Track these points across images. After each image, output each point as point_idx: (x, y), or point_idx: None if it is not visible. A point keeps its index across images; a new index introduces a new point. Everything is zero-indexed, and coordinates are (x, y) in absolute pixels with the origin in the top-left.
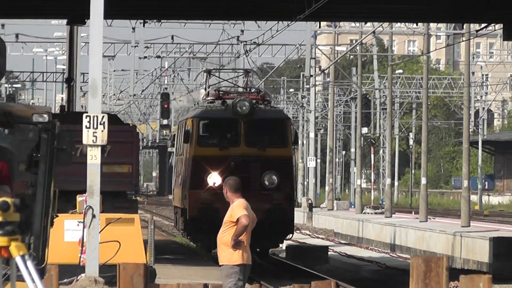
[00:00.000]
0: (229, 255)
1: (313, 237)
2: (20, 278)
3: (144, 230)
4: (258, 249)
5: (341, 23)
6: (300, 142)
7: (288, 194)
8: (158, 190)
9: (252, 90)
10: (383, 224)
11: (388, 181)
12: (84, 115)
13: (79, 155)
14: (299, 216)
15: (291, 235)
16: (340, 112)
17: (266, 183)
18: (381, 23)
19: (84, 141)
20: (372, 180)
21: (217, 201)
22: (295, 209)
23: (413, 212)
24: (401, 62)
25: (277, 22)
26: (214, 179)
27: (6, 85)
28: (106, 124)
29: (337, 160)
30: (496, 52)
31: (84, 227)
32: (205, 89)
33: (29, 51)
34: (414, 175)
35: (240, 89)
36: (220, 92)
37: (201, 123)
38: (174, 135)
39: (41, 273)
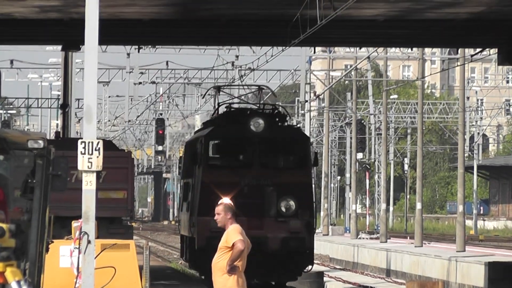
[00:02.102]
0: (224, 280)
1: None
2: None
3: (139, 255)
4: (273, 283)
5: (336, 48)
6: None
7: (307, 222)
8: (153, 216)
9: (268, 107)
10: (378, 249)
11: (383, 206)
12: (79, 141)
13: (74, 181)
14: None
15: (310, 266)
16: (335, 137)
17: (283, 209)
18: (376, 48)
19: (79, 167)
20: (367, 205)
21: None
22: None
23: (408, 237)
24: (397, 87)
25: (271, 47)
26: None
27: (1, 111)
28: (101, 150)
29: (332, 185)
30: (491, 77)
31: (79, 253)
32: (214, 106)
33: (24, 77)
34: (409, 200)
35: (253, 106)
36: (232, 109)
37: (211, 143)
38: (181, 157)
39: None
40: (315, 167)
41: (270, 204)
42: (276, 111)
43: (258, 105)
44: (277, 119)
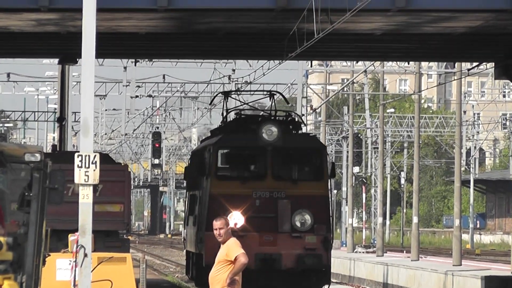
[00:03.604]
0: None
1: None
2: None
3: (135, 269)
4: None
5: (333, 62)
6: None
7: (324, 238)
8: (149, 229)
9: (281, 114)
10: (374, 263)
11: (379, 220)
12: (76, 154)
13: (71, 194)
14: None
15: (327, 285)
16: (331, 151)
17: (298, 224)
18: (373, 62)
19: (76, 180)
20: (364, 219)
21: None
22: None
23: (404, 251)
24: (393, 101)
25: (268, 61)
26: (235, 219)
27: None
28: (98, 163)
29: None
30: (488, 91)
31: (75, 266)
32: (222, 114)
33: (21, 90)
34: (405, 214)
35: (265, 113)
36: (242, 116)
37: (220, 153)
38: (186, 167)
39: None
40: (332, 179)
41: (284, 218)
42: (290, 118)
43: (270, 111)
44: (291, 127)
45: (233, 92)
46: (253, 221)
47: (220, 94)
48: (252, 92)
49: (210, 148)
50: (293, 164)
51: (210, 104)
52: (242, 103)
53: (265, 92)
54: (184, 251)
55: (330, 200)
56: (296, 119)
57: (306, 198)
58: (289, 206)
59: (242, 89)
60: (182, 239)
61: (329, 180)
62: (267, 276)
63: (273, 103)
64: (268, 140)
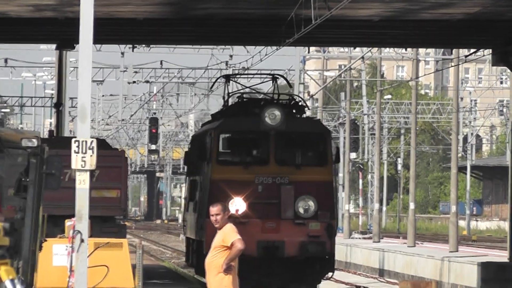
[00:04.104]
0: (219, 279)
1: None
2: None
3: (132, 254)
4: None
5: (330, 49)
6: None
7: (327, 224)
8: (146, 215)
9: (284, 97)
10: (371, 249)
11: (376, 206)
12: (73, 140)
13: (67, 179)
14: None
15: (331, 273)
16: None
17: (301, 210)
18: (370, 48)
19: (73, 166)
20: (360, 205)
21: (241, 233)
22: None
23: (401, 237)
24: (390, 87)
25: (265, 47)
26: (237, 205)
27: None
28: (95, 149)
29: None
30: (485, 77)
31: (72, 251)
32: (223, 97)
33: (18, 76)
34: (402, 200)
35: (267, 96)
36: (244, 99)
37: (222, 137)
38: (186, 152)
39: None
40: (336, 164)
41: (287, 205)
42: (293, 101)
43: (273, 95)
44: (294, 111)
45: (234, 76)
46: (255, 207)
47: (221, 78)
48: (254, 76)
49: (212, 132)
50: (296, 149)
51: (211, 88)
52: (244, 87)
53: (267, 76)
54: (181, 236)
55: (334, 186)
56: (300, 103)
57: (310, 184)
58: (292, 192)
59: (244, 73)
60: (182, 226)
61: (333, 166)
62: (270, 264)
63: (276, 87)
64: (271, 124)
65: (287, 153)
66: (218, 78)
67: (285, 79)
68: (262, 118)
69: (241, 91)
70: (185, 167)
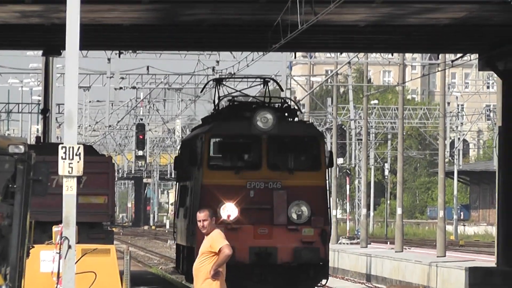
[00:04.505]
0: (207, 285)
1: None
2: None
3: (120, 260)
4: None
5: (317, 54)
6: None
7: (321, 230)
8: (133, 221)
9: (276, 100)
10: (358, 254)
11: (363, 211)
12: (60, 146)
13: (55, 186)
14: None
15: (325, 280)
16: None
17: (294, 216)
18: (357, 53)
19: (60, 172)
20: (348, 211)
21: (233, 239)
22: None
23: (388, 242)
24: (377, 92)
25: (252, 52)
26: (229, 211)
27: None
28: (82, 155)
29: None
30: (472, 82)
31: (60, 257)
32: (214, 101)
33: (5, 82)
34: (389, 205)
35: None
36: (236, 103)
37: (213, 141)
38: (176, 157)
39: None
40: (330, 169)
41: (279, 210)
42: (286, 104)
43: (264, 98)
44: (286, 114)
45: (225, 79)
46: (247, 213)
47: (211, 82)
48: (245, 79)
49: (202, 136)
50: (289, 153)
51: (201, 91)
52: (235, 91)
53: (258, 80)
54: (169, 242)
55: (327, 191)
56: (292, 106)
57: (303, 189)
58: (285, 197)
59: (235, 76)
60: (172, 232)
61: (326, 170)
62: (262, 271)
63: (267, 90)
64: (263, 128)
65: (279, 157)
66: (208, 82)
67: (277, 82)
68: (254, 121)
69: (232, 94)
70: (175, 172)
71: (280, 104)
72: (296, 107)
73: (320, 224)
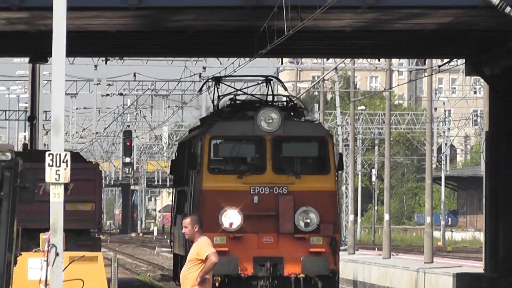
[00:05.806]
0: None
1: None
2: None
3: (107, 268)
4: None
5: (303, 60)
6: None
7: (330, 239)
8: (121, 228)
9: (281, 99)
10: (346, 261)
11: (351, 217)
12: (47, 153)
13: (42, 193)
14: None
15: None
16: None
17: (301, 223)
18: (343, 59)
19: (47, 179)
20: None
21: (236, 248)
22: None
23: (376, 249)
24: (364, 98)
25: (238, 58)
26: (231, 218)
27: None
28: (69, 162)
29: None
30: (459, 87)
31: (47, 265)
32: (213, 101)
33: None
34: (377, 211)
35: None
36: (237, 102)
37: (213, 143)
38: (172, 160)
39: None
40: (339, 172)
41: (285, 217)
42: (292, 103)
43: (266, 96)
44: (292, 113)
45: (224, 77)
46: (251, 220)
47: (210, 80)
48: (246, 78)
49: (202, 137)
50: (296, 156)
51: (199, 91)
52: (235, 89)
53: (260, 78)
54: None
55: (337, 196)
56: (298, 105)
57: (311, 194)
58: (291, 203)
59: (235, 75)
60: (169, 241)
61: (336, 174)
62: (267, 282)
63: (270, 89)
64: (268, 129)
65: (285, 160)
66: (207, 80)
67: (280, 81)
68: (257, 121)
69: (234, 92)
70: (172, 177)
71: (285, 103)
72: (302, 106)
73: (329, 232)
